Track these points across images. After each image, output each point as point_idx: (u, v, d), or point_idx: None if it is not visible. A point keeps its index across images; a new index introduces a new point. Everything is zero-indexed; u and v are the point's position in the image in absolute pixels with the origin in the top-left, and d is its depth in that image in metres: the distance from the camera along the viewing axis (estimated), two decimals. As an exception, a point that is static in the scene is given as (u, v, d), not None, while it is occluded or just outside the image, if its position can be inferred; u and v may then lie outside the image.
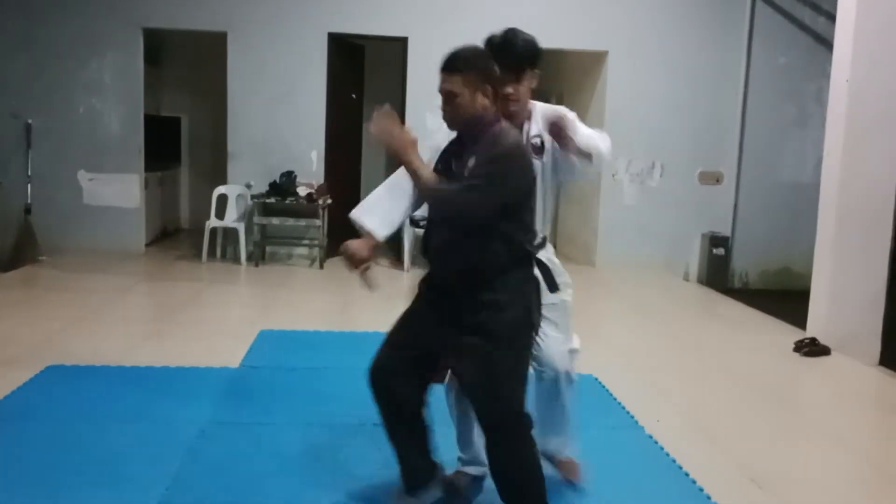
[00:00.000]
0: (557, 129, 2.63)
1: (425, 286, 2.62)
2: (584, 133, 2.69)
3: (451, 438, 2.97)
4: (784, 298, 7.11)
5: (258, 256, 7.93)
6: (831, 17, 6.70)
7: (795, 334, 5.79)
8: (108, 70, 7.89)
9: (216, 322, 5.68)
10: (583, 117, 9.27)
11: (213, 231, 7.95)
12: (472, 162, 2.40)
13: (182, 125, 10.23)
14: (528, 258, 2.47)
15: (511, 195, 2.38)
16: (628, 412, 3.94)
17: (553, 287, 2.61)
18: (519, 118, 2.71)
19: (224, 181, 8.12)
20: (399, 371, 2.54)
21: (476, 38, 8.86)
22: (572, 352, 2.96)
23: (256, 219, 7.84)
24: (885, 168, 5.25)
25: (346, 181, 8.63)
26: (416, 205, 2.69)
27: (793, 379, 5.05)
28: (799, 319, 5.97)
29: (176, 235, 9.67)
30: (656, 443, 3.55)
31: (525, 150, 2.58)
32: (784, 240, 8.16)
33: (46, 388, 3.95)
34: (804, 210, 7.54)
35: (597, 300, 7.35)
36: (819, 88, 7.81)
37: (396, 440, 2.64)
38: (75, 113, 7.89)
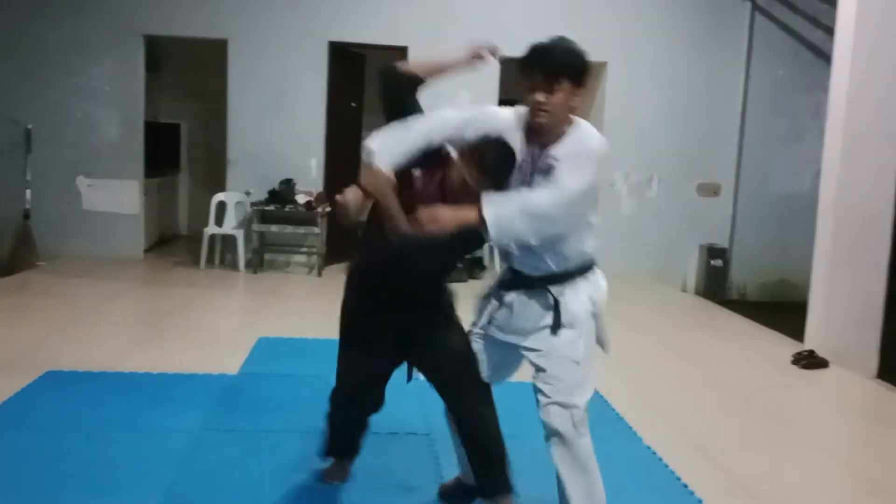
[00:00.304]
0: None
1: (369, 298, 2.78)
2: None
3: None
4: (782, 310, 7.13)
5: (256, 263, 7.93)
6: (829, 31, 6.74)
7: (793, 346, 5.80)
8: (108, 76, 7.91)
9: (214, 329, 5.67)
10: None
11: (212, 238, 7.95)
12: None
13: (181, 132, 10.24)
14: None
15: None
16: (626, 423, 3.94)
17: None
18: (548, 134, 2.47)
19: (223, 188, 8.12)
20: (369, 391, 2.86)
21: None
22: (568, 407, 2.51)
23: (255, 226, 7.84)
24: (882, 180, 5.27)
25: (344, 189, 8.62)
26: None
27: (790, 391, 5.05)
28: (797, 331, 5.98)
29: (174, 242, 9.66)
30: (654, 454, 3.55)
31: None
32: (782, 251, 8.18)
33: (43, 394, 3.94)
34: (802, 222, 7.56)
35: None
36: (816, 101, 7.83)
37: (345, 423, 2.92)
38: (75, 118, 7.90)
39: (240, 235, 7.87)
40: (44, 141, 7.80)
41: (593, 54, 8.98)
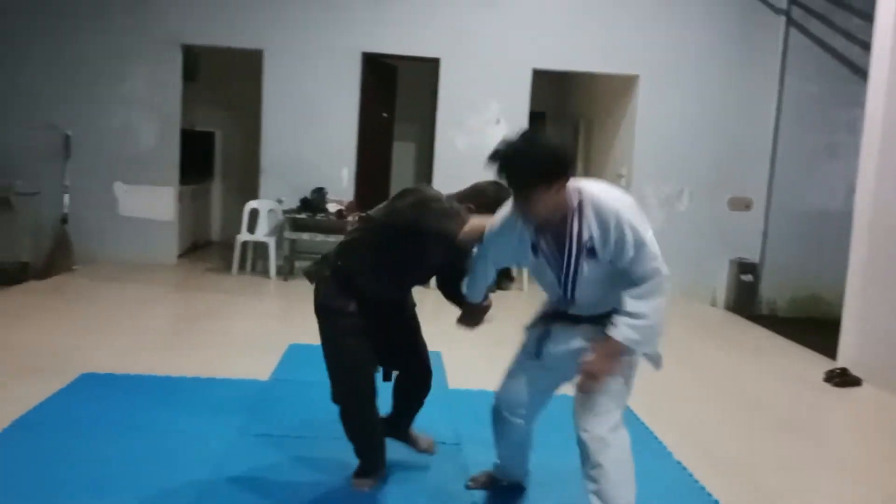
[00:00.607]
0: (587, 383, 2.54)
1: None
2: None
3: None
4: (813, 327, 7.06)
5: (287, 271, 8.01)
6: (865, 46, 6.69)
7: (825, 364, 5.74)
8: (146, 84, 8.05)
9: (246, 335, 5.74)
10: (612, 141, 9.25)
11: (244, 245, 8.05)
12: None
13: (216, 140, 10.39)
14: None
15: None
16: (657, 438, 3.93)
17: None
18: (555, 223, 2.50)
19: (255, 196, 8.22)
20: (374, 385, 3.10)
21: (505, 60, 8.93)
22: (593, 437, 2.56)
23: (287, 234, 7.93)
24: (919, 199, 5.21)
25: (375, 199, 8.66)
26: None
27: (823, 409, 5.00)
28: (829, 349, 5.92)
29: (207, 248, 9.79)
30: (685, 469, 3.53)
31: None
32: (814, 267, 8.10)
33: (78, 397, 4.01)
34: (835, 238, 7.50)
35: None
36: (851, 117, 7.76)
37: (373, 428, 3.12)
38: (113, 125, 8.05)
39: (271, 243, 7.96)
40: (83, 147, 7.95)
41: (625, 67, 9.02)
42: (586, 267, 2.50)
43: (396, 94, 9.29)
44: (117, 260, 7.93)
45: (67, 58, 7.92)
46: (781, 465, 3.81)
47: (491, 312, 3.18)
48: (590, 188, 2.47)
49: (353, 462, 3.23)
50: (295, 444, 3.52)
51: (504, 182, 2.48)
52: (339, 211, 7.81)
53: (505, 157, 2.41)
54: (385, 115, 8.94)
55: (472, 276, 2.93)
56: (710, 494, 3.28)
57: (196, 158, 9.53)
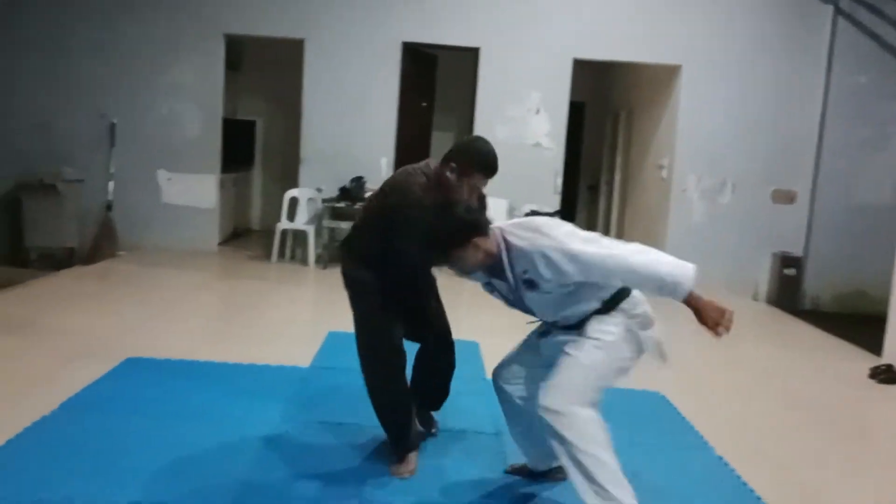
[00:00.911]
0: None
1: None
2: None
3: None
4: (858, 322, 6.92)
5: (326, 259, 8.07)
6: (918, 36, 6.52)
7: (870, 360, 5.64)
8: (190, 74, 8.15)
9: (286, 322, 5.80)
10: (653, 132, 9.17)
11: (284, 233, 8.13)
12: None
13: (257, 128, 10.49)
14: None
15: None
16: (698, 432, 3.89)
17: None
18: (491, 268, 2.74)
19: (295, 184, 8.29)
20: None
21: (546, 50, 8.86)
22: (546, 410, 2.58)
23: (326, 222, 7.98)
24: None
25: (413, 188, 8.71)
26: None
27: (868, 406, 4.90)
28: (874, 345, 5.81)
29: (247, 236, 9.90)
30: (727, 465, 3.50)
31: None
32: (859, 262, 7.94)
33: (123, 381, 4.09)
34: (881, 232, 7.36)
35: (662, 317, 7.26)
36: (902, 109, 7.60)
37: (403, 401, 3.21)
38: (157, 114, 8.17)
39: (311, 231, 8.02)
40: (127, 135, 8.08)
41: (668, 57, 8.90)
42: (535, 296, 2.65)
43: (436, 83, 9.28)
44: (160, 246, 8.07)
45: (115, 48, 8.05)
46: (824, 462, 3.75)
47: None
48: (508, 232, 2.65)
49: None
50: (337, 431, 3.56)
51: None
52: (378, 200, 7.83)
53: (429, 235, 2.69)
54: (424, 104, 8.94)
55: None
56: (752, 490, 3.24)
57: (237, 147, 9.63)
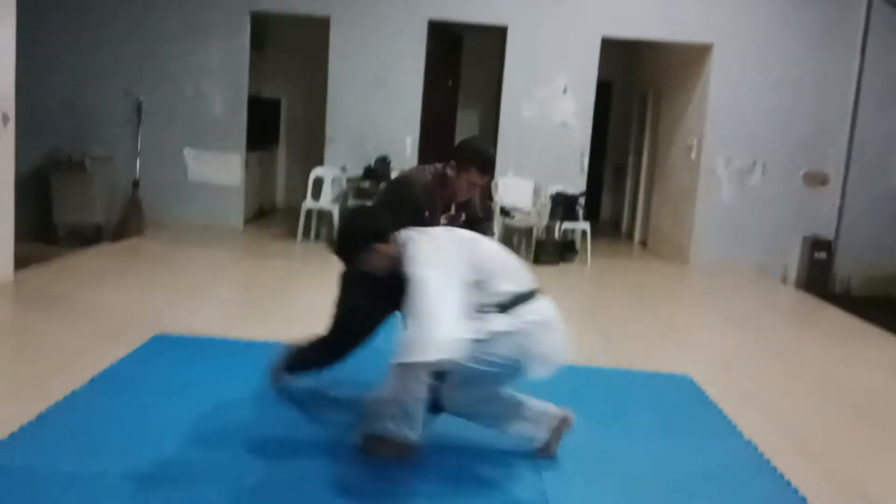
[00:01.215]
0: None
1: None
2: None
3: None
4: (890, 307, 6.81)
5: (351, 239, 8.04)
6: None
7: (903, 346, 5.54)
8: (215, 52, 8.15)
9: (310, 301, 5.78)
10: (682, 112, 9.04)
11: (309, 212, 8.13)
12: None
13: (281, 107, 10.47)
14: None
15: None
16: (726, 417, 3.84)
17: None
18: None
19: (319, 163, 8.28)
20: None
21: (574, 28, 8.72)
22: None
23: (350, 202, 7.97)
24: None
25: (438, 168, 8.68)
26: None
27: (899, 393, 4.82)
28: (907, 331, 5.71)
29: (271, 214, 9.92)
30: (756, 450, 3.45)
31: None
32: (891, 246, 7.82)
33: (152, 357, 4.11)
34: (916, 216, 7.22)
35: (689, 301, 7.21)
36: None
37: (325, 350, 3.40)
38: (184, 92, 8.18)
39: (335, 210, 8.01)
40: (154, 113, 8.11)
41: (700, 35, 8.74)
42: None
43: (461, 62, 9.20)
44: (186, 224, 8.10)
45: (142, 25, 8.07)
46: (855, 448, 3.69)
47: None
48: (405, 239, 2.86)
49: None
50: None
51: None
52: (403, 180, 7.80)
53: (338, 234, 3.02)
54: (450, 83, 8.87)
55: None
56: (781, 475, 3.20)
57: (262, 125, 9.62)
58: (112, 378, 3.74)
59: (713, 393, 4.17)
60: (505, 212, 7.91)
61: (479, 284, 2.74)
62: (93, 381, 3.65)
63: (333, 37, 8.10)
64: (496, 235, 7.91)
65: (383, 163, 7.97)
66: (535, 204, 8.10)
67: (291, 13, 8.26)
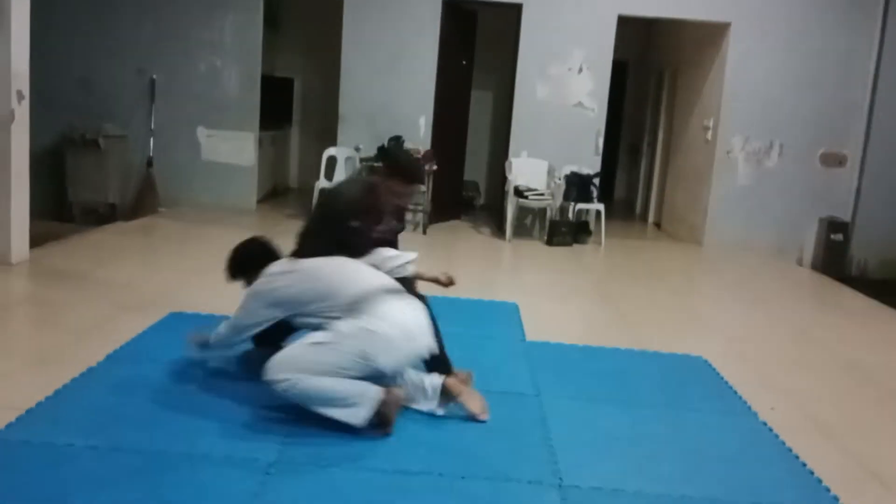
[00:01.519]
0: None
1: None
2: None
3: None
4: (906, 290, 6.75)
5: (364, 218, 8.04)
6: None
7: (920, 329, 5.50)
8: (228, 30, 8.12)
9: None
10: (698, 92, 8.97)
11: (322, 192, 8.11)
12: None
13: (295, 87, 10.44)
14: None
15: None
16: (741, 397, 3.83)
17: None
18: None
19: (332, 143, 8.25)
20: None
21: (590, 6, 8.62)
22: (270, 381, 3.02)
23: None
24: None
25: (451, 148, 8.65)
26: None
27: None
28: (924, 313, 5.66)
29: (284, 194, 9.93)
30: (771, 430, 3.43)
31: None
32: (909, 229, 7.73)
33: (167, 334, 4.12)
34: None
35: (704, 282, 7.18)
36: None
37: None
38: (197, 71, 8.16)
39: (349, 190, 7.98)
40: (167, 92, 8.10)
41: (716, 14, 8.62)
42: None
43: (476, 41, 9.13)
44: (199, 203, 8.11)
45: (154, 5, 8.03)
46: (871, 429, 3.67)
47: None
48: (269, 270, 3.29)
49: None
50: (379, 384, 3.54)
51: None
52: (416, 160, 7.78)
53: (228, 259, 3.50)
54: (464, 62, 8.81)
55: None
56: (796, 456, 3.18)
57: (275, 105, 9.60)
58: (128, 354, 3.76)
59: (728, 374, 4.15)
60: (519, 192, 7.87)
61: (326, 298, 3.11)
62: (109, 357, 3.68)
63: (347, 15, 8.04)
64: (510, 215, 7.91)
65: (397, 142, 7.94)
66: (549, 185, 8.06)
67: (305, -9, 8.22)
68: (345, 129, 8.20)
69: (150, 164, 8.05)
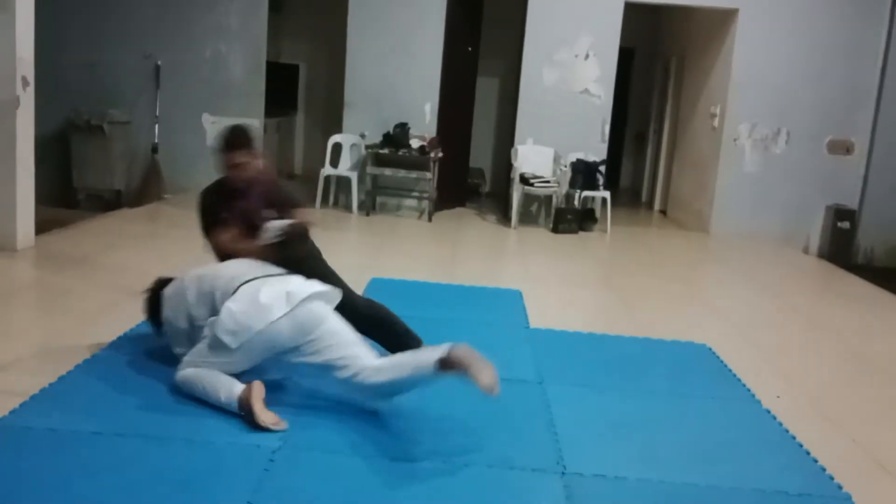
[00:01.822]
0: None
1: None
2: None
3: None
4: (913, 278, 6.72)
5: (369, 206, 8.05)
6: None
7: (926, 317, 5.48)
8: (234, 15, 8.09)
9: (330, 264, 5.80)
10: (705, 79, 8.93)
11: (327, 179, 8.11)
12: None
13: (300, 73, 10.42)
14: None
15: None
16: (745, 385, 3.82)
17: None
18: None
19: (337, 130, 8.24)
20: None
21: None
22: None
23: (369, 169, 7.95)
24: None
25: (457, 135, 8.63)
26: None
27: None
28: (931, 302, 5.64)
29: (290, 181, 9.91)
30: (775, 418, 3.43)
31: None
32: (917, 217, 7.69)
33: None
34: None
35: (710, 270, 7.16)
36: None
37: None
38: (202, 57, 8.14)
39: (354, 177, 7.99)
40: (172, 78, 8.09)
41: (723, 0, 8.53)
42: None
43: (482, 27, 9.08)
44: (205, 190, 8.10)
45: (161, -12, 8.02)
46: (875, 417, 3.66)
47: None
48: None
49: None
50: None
51: None
52: (422, 147, 7.77)
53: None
54: (470, 49, 8.77)
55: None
56: (800, 444, 3.18)
57: (280, 91, 9.58)
58: (133, 340, 3.77)
59: (732, 361, 4.15)
60: (524, 180, 7.85)
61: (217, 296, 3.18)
62: (113, 343, 3.69)
63: (353, 1, 8.00)
64: (516, 202, 7.88)
65: (402, 129, 7.92)
66: (554, 172, 8.04)
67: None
68: (350, 115, 8.18)
69: (155, 150, 8.05)
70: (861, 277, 6.91)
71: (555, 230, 7.79)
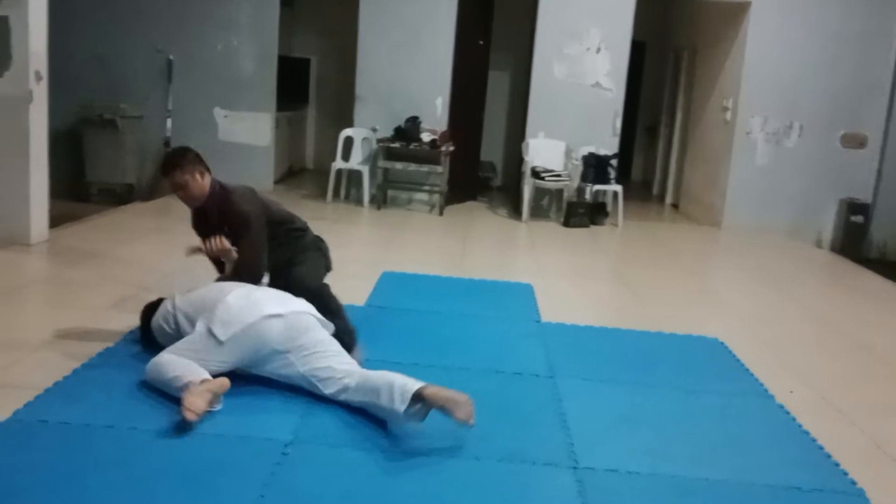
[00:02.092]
0: None
1: None
2: None
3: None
4: (927, 273, 6.67)
5: (380, 199, 8.06)
6: None
7: (941, 312, 5.43)
8: (245, 9, 8.10)
9: (342, 260, 5.77)
10: (717, 72, 8.90)
11: (339, 172, 8.12)
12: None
13: (311, 67, 10.42)
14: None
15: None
16: (757, 380, 3.81)
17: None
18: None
19: (348, 124, 8.24)
20: None
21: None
22: None
23: (381, 162, 7.95)
24: None
25: (468, 129, 8.61)
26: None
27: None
28: (945, 296, 5.59)
29: (301, 175, 9.93)
30: (788, 413, 3.41)
31: (247, 188, 3.74)
32: (931, 211, 7.63)
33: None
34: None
35: (722, 264, 7.13)
36: None
37: None
38: (214, 50, 8.15)
39: (365, 171, 8.00)
40: (184, 72, 8.10)
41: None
42: None
43: (493, 21, 9.05)
44: (217, 184, 8.12)
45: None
46: (889, 412, 3.63)
47: None
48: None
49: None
50: (394, 370, 3.55)
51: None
52: (433, 141, 7.76)
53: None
54: (481, 42, 8.74)
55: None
56: (814, 439, 3.16)
57: (292, 85, 9.59)
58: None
59: (744, 355, 4.13)
60: (536, 173, 7.83)
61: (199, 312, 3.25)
62: (126, 337, 3.71)
63: (363, -6, 8.01)
64: (527, 196, 7.87)
65: (414, 123, 7.91)
66: (566, 165, 8.02)
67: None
68: (361, 109, 8.18)
69: (167, 144, 8.07)
70: (874, 271, 6.86)
71: (566, 224, 7.77)
